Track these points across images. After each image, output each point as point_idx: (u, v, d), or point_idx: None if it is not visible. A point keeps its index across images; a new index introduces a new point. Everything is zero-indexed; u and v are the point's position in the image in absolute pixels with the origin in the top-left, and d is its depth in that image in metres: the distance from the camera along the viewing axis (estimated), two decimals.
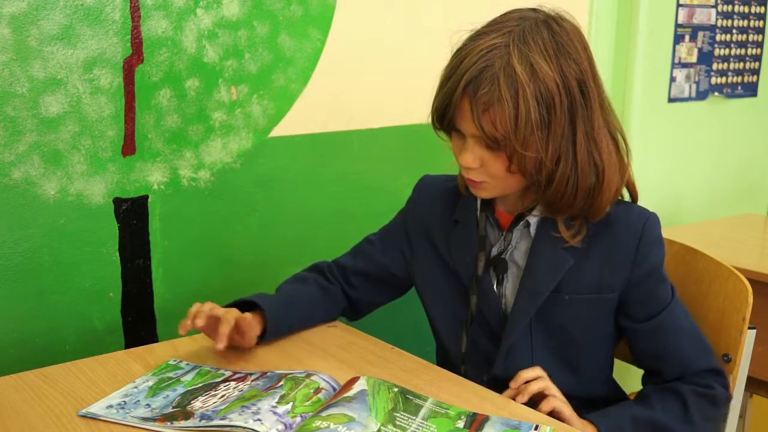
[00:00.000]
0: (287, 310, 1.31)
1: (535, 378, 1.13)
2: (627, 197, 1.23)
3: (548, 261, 1.17)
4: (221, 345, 1.16)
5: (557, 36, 1.08)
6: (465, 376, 1.23)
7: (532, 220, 1.19)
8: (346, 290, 1.39)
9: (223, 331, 1.17)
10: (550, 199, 1.13)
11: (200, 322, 1.17)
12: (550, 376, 1.16)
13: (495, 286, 1.22)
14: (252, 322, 1.24)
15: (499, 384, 1.18)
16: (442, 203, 1.31)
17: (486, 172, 1.12)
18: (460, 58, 1.09)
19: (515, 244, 1.21)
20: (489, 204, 1.23)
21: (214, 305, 1.21)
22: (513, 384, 1.13)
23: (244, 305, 1.29)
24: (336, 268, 1.40)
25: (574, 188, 1.11)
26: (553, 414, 1.10)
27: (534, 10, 1.12)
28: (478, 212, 1.24)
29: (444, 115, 1.11)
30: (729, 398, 1.21)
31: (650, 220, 1.18)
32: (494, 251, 1.22)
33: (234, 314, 1.21)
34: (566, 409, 1.11)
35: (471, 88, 1.06)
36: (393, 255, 1.36)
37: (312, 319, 1.36)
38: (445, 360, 1.30)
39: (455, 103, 1.08)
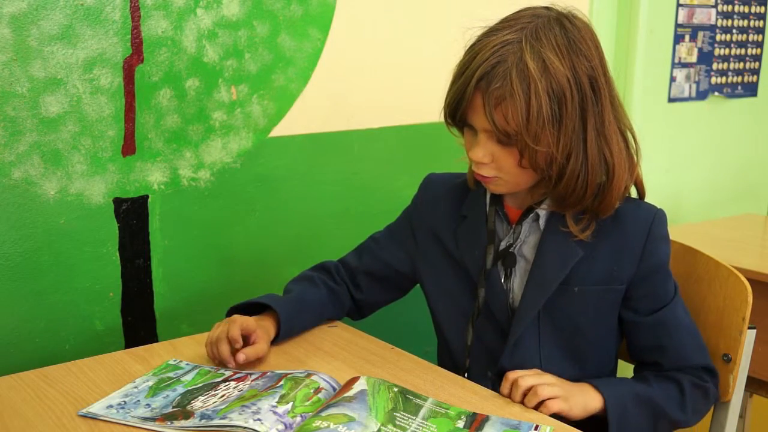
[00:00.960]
0: (299, 312, 1.31)
1: (531, 387, 1.10)
2: (634, 194, 1.23)
3: (557, 253, 1.18)
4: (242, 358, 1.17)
5: (569, 33, 1.09)
6: (468, 370, 1.23)
7: (542, 212, 1.20)
8: (352, 290, 1.40)
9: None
10: (560, 194, 1.14)
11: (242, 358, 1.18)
12: (556, 371, 1.16)
13: (503, 280, 1.22)
14: (268, 328, 1.25)
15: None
16: (448, 200, 1.31)
17: (497, 168, 1.14)
18: (473, 53, 1.10)
19: (524, 237, 1.21)
20: (498, 198, 1.24)
21: (220, 336, 1.20)
22: (504, 389, 1.11)
23: (253, 307, 1.29)
24: (342, 267, 1.41)
25: (584, 184, 1.12)
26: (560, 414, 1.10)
27: (547, 8, 1.14)
28: (487, 206, 1.24)
29: (456, 110, 1.13)
30: (718, 398, 1.23)
31: (658, 216, 1.19)
32: (503, 245, 1.22)
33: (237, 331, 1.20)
34: (565, 406, 1.10)
35: (484, 82, 1.07)
36: (398, 253, 1.37)
37: (320, 321, 1.37)
38: (448, 356, 1.30)
39: (468, 97, 1.10)
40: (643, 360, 1.24)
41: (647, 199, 1.24)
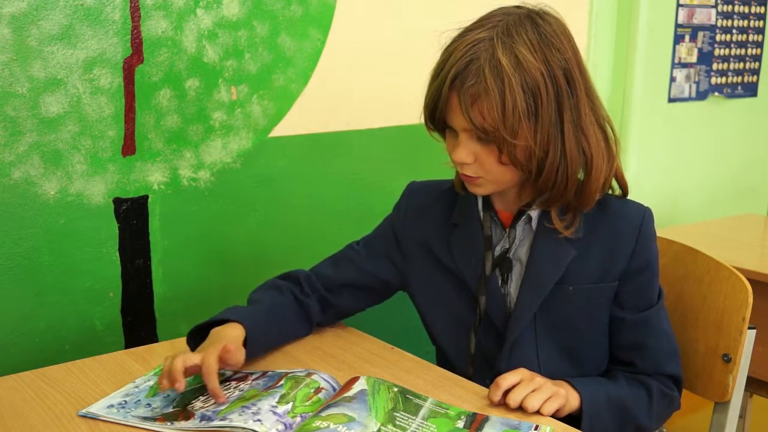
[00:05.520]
0: (267, 327, 1.23)
1: (516, 384, 1.08)
2: (617, 191, 1.23)
3: (551, 254, 1.18)
4: (222, 400, 1.05)
5: (540, 28, 1.10)
6: (472, 378, 1.23)
7: (534, 214, 1.20)
8: (328, 299, 1.33)
9: (214, 386, 1.05)
10: (542, 188, 1.15)
11: (180, 387, 1.04)
12: (553, 372, 1.16)
13: (500, 285, 1.22)
14: (238, 350, 1.12)
15: None
16: (436, 208, 1.30)
17: (480, 167, 1.14)
18: (447, 54, 1.12)
19: (518, 241, 1.21)
20: (490, 203, 1.23)
21: (184, 357, 1.06)
22: (494, 397, 1.07)
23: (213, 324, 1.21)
24: (315, 277, 1.34)
25: (564, 176, 1.12)
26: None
27: (518, 6, 1.15)
28: (481, 212, 1.24)
29: (434, 112, 1.13)
30: (678, 408, 1.25)
31: (647, 214, 1.21)
32: (498, 250, 1.22)
33: (214, 358, 1.07)
34: (561, 401, 1.08)
35: (458, 81, 1.08)
36: (380, 262, 1.33)
37: (287, 335, 1.30)
38: (446, 364, 1.29)
39: (444, 98, 1.10)
40: (618, 358, 1.24)
41: (647, 200, 1.25)
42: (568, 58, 1.10)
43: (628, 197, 1.23)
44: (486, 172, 1.14)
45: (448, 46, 1.12)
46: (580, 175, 1.15)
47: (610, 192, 1.21)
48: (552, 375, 1.15)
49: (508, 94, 1.06)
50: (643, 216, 1.20)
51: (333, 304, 1.34)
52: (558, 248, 1.18)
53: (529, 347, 1.20)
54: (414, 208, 1.34)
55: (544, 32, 1.10)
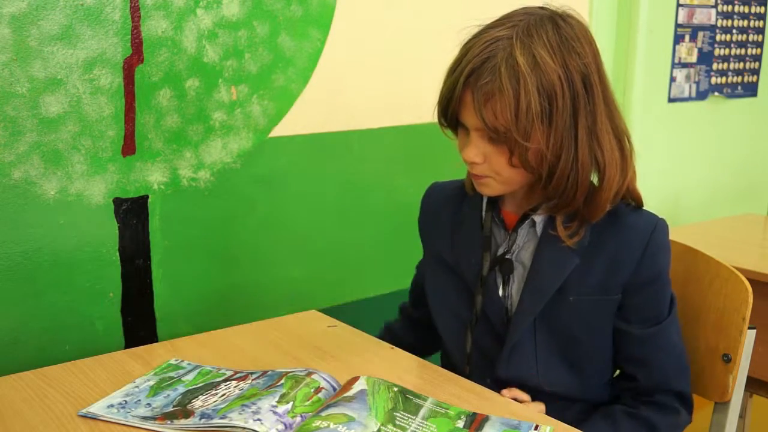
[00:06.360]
0: None
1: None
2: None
3: (553, 261, 1.17)
4: None
5: (562, 30, 1.08)
6: (468, 377, 1.23)
7: (538, 218, 1.19)
8: (412, 315, 1.46)
9: None
10: (551, 194, 1.13)
11: None
12: (553, 378, 1.16)
13: (501, 287, 1.22)
14: None
15: (502, 385, 1.18)
16: (447, 208, 1.31)
17: (489, 167, 1.12)
18: (464, 50, 1.10)
19: (522, 244, 1.20)
20: (494, 204, 1.23)
21: None
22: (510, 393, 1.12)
23: None
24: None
25: (574, 183, 1.10)
26: None
27: (541, 7, 1.13)
28: (483, 212, 1.24)
29: (447, 108, 1.12)
30: (689, 422, 1.22)
31: (659, 225, 1.17)
32: (499, 251, 1.22)
33: None
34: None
35: (473, 78, 1.07)
36: (419, 274, 1.42)
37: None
38: (449, 363, 1.30)
39: (458, 94, 1.09)
40: (623, 370, 1.23)
41: (646, 201, 1.23)
42: (587, 63, 1.08)
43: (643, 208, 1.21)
44: (495, 172, 1.13)
45: (467, 43, 1.11)
46: (594, 180, 1.13)
47: (626, 202, 1.19)
48: (552, 381, 1.15)
49: (522, 94, 1.04)
50: (654, 226, 1.16)
51: (416, 318, 1.45)
52: (561, 255, 1.16)
53: (529, 352, 1.20)
54: (429, 209, 1.36)
55: (565, 35, 1.08)
